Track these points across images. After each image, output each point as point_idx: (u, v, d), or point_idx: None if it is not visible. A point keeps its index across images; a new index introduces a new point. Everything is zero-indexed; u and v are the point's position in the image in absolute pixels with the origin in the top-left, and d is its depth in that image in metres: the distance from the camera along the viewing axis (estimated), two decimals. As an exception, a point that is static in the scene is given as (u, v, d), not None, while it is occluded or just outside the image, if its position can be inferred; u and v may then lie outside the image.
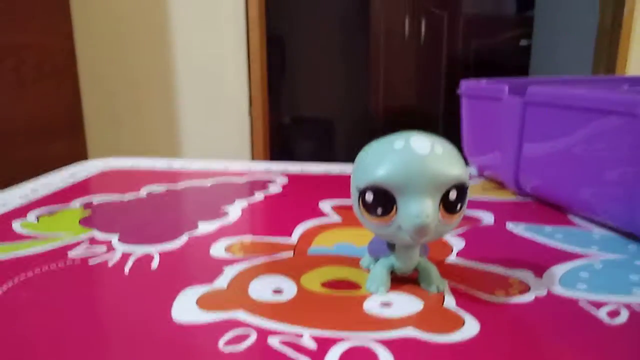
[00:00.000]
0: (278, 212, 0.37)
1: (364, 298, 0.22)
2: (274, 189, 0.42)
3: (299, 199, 0.40)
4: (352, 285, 0.24)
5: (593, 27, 1.80)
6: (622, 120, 0.29)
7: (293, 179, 0.46)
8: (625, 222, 0.29)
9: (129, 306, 0.22)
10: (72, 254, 0.28)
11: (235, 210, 0.36)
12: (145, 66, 1.79)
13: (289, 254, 0.28)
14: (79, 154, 1.63)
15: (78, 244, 0.30)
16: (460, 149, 0.45)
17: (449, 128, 2.65)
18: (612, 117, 0.30)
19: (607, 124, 0.30)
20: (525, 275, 0.25)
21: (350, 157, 0.24)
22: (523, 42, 2.60)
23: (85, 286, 0.24)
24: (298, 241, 0.30)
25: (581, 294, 0.23)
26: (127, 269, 0.26)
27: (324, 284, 0.24)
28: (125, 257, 0.28)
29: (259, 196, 0.40)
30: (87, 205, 0.38)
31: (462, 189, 0.21)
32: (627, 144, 0.28)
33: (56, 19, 1.56)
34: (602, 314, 0.21)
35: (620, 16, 1.65)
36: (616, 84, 0.55)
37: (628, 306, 0.22)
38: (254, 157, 1.83)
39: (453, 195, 0.21)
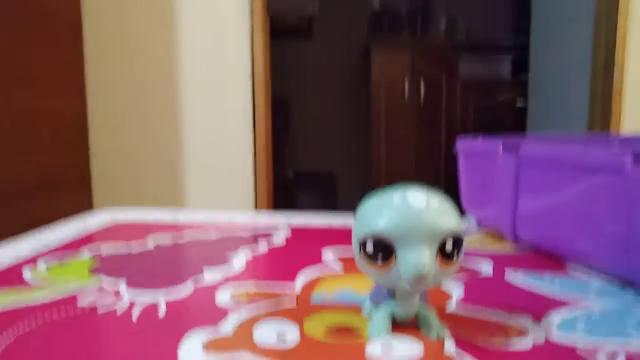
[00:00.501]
0: (282, 263, 0.38)
1: (365, 344, 0.23)
2: (278, 240, 0.43)
3: (303, 250, 0.40)
4: (354, 332, 0.24)
5: (586, 91, 1.86)
6: (611, 177, 0.30)
7: (297, 230, 0.47)
8: (623, 271, 0.30)
9: (137, 353, 0.23)
10: (81, 303, 0.29)
11: (240, 261, 0.37)
12: (153, 123, 1.84)
13: (293, 302, 0.29)
14: (85, 206, 1.65)
15: (87, 293, 0.30)
16: (459, 202, 0.46)
17: (450, 182, 2.67)
18: (601, 174, 0.31)
19: (597, 181, 0.32)
20: (524, 322, 0.25)
21: (352, 211, 0.26)
22: (519, 104, 2.68)
23: (94, 335, 0.25)
24: (301, 290, 0.31)
25: (579, 341, 0.23)
26: (134, 317, 0.27)
27: (327, 332, 0.25)
28: (133, 305, 0.28)
29: (263, 247, 0.41)
30: (97, 257, 0.39)
31: (457, 239, 0.22)
32: (618, 199, 0.30)
33: (70, 81, 1.63)
34: (598, 360, 0.22)
35: (611, 82, 1.71)
36: (608, 142, 0.57)
37: (626, 353, 0.22)
38: (258, 209, 1.84)
39: (449, 245, 0.22)
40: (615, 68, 1.69)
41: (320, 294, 0.30)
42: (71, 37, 1.63)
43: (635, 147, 0.42)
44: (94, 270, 0.35)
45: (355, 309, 0.27)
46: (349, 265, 0.36)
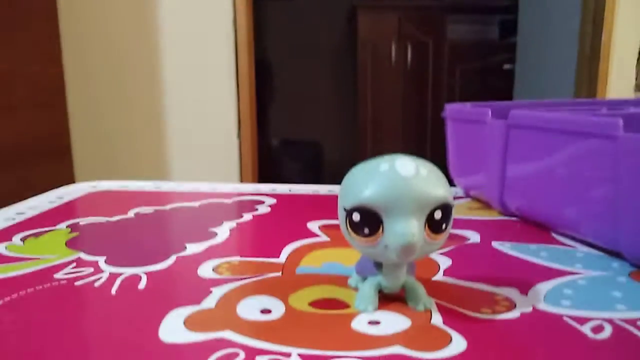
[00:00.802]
0: (266, 233, 0.37)
1: (352, 317, 0.23)
2: (263, 209, 0.43)
3: (288, 220, 0.40)
4: (340, 304, 0.24)
5: (574, 53, 1.85)
6: (601, 142, 0.30)
7: (281, 199, 0.46)
8: (608, 240, 0.30)
9: (116, 327, 0.22)
10: (58, 275, 0.28)
11: (223, 231, 0.36)
12: (134, 89, 1.79)
13: (277, 274, 0.28)
14: (67, 178, 1.62)
15: (64, 265, 0.29)
16: (446, 170, 0.45)
17: (436, 150, 2.68)
18: (591, 140, 0.31)
19: (587, 146, 0.31)
20: (511, 292, 0.25)
21: (337, 179, 0.25)
22: (506, 67, 2.66)
23: (71, 307, 0.24)
24: (286, 261, 0.30)
25: (566, 310, 0.23)
26: (114, 290, 0.26)
27: (312, 303, 0.24)
28: (112, 278, 0.28)
29: (247, 217, 0.40)
30: (74, 227, 0.37)
31: (446, 209, 0.22)
32: (607, 165, 0.29)
33: (46, 44, 1.56)
34: (586, 329, 0.21)
35: (599, 44, 1.70)
36: (596, 107, 0.56)
37: (611, 321, 0.22)
38: (242, 179, 1.83)
39: (438, 215, 0.21)
40: (604, 30, 1.68)
41: (306, 266, 0.29)
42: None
43: (624, 112, 0.41)
44: (72, 241, 0.34)
45: (342, 280, 0.27)
46: (335, 235, 0.35)
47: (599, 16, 1.70)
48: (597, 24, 1.71)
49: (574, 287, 0.26)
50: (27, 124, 1.43)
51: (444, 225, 0.22)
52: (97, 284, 0.27)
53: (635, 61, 1.68)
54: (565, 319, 0.22)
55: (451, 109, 0.48)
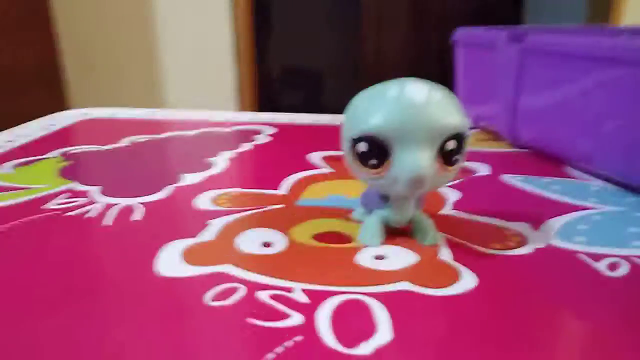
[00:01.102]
0: (267, 163, 0.36)
1: (356, 251, 0.22)
2: (262, 139, 0.41)
3: (289, 150, 0.38)
4: (344, 238, 0.23)
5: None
6: (626, 69, 0.27)
7: (282, 129, 0.44)
8: (623, 174, 0.29)
9: (111, 259, 0.21)
10: (51, 205, 0.27)
11: (221, 161, 0.35)
12: (126, 14, 1.71)
13: (279, 205, 0.27)
14: (58, 106, 1.58)
15: (57, 195, 0.28)
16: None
17: (442, 79, 2.62)
18: (615, 66, 0.28)
19: (609, 73, 0.29)
20: (523, 228, 0.24)
21: (339, 110, 0.23)
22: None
23: (64, 239, 0.23)
24: (288, 193, 0.29)
25: (580, 247, 0.22)
26: (109, 221, 0.25)
27: (315, 237, 0.23)
28: (106, 208, 0.26)
29: (246, 146, 0.39)
30: (66, 155, 0.36)
31: (461, 139, 0.20)
32: (629, 94, 0.27)
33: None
34: (601, 266, 0.20)
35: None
36: (614, 33, 0.53)
37: (627, 258, 0.21)
38: (241, 108, 1.79)
39: (451, 145, 0.20)
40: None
41: (309, 199, 0.28)
42: None
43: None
44: (65, 170, 0.33)
45: (346, 213, 0.25)
46: (338, 166, 0.34)
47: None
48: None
49: (589, 223, 0.25)
50: (12, 49, 1.37)
51: (457, 157, 0.20)
52: (91, 214, 0.26)
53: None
54: (579, 255, 0.21)
55: (461, 34, 0.45)
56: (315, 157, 0.36)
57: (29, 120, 0.46)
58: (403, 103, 0.20)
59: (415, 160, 0.19)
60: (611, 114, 0.29)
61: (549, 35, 0.36)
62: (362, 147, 0.20)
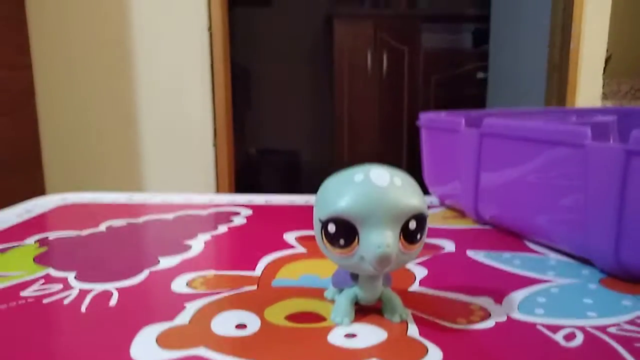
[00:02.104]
0: (242, 245, 0.37)
1: (328, 330, 0.22)
2: (238, 221, 0.42)
3: (264, 231, 0.39)
4: (316, 317, 0.24)
5: (543, 63, 1.90)
6: (571, 150, 0.30)
7: (257, 210, 0.46)
8: (579, 247, 0.31)
9: (86, 346, 0.22)
10: (26, 293, 0.27)
11: (198, 244, 0.36)
12: (106, 98, 1.76)
13: (253, 287, 0.28)
14: (37, 189, 1.58)
15: (32, 282, 0.28)
16: (422, 178, 0.46)
17: (412, 158, 2.71)
18: (561, 148, 0.31)
19: (557, 154, 0.32)
20: (486, 302, 0.25)
21: (315, 187, 0.25)
22: (480, 75, 2.71)
23: (39, 326, 0.23)
24: (262, 274, 0.30)
25: (539, 319, 0.23)
26: (84, 307, 0.25)
27: (288, 317, 0.24)
28: (82, 295, 0.27)
29: (222, 229, 0.40)
30: (42, 242, 0.36)
31: (421, 219, 0.22)
32: (577, 173, 0.30)
33: (14, 52, 1.53)
34: (559, 337, 0.22)
35: (567, 53, 1.75)
36: (565, 115, 0.58)
37: (582, 329, 0.22)
38: (218, 189, 1.81)
39: (413, 225, 0.22)
40: (572, 40, 1.72)
41: (283, 279, 0.29)
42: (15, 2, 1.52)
43: (592, 120, 0.42)
44: (40, 257, 0.33)
45: (318, 293, 0.26)
46: (311, 246, 0.35)
47: (567, 27, 1.75)
48: (566, 33, 1.76)
49: (547, 295, 0.26)
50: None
51: (418, 235, 0.22)
52: (66, 302, 0.26)
53: (602, 71, 1.73)
54: (538, 327, 0.23)
55: (426, 118, 0.49)
56: (290, 237, 0.37)
57: (8, 203, 0.46)
58: (368, 187, 0.21)
59: (380, 240, 0.21)
60: (565, 192, 0.31)
61: (504, 119, 0.39)
62: (331, 228, 0.21)
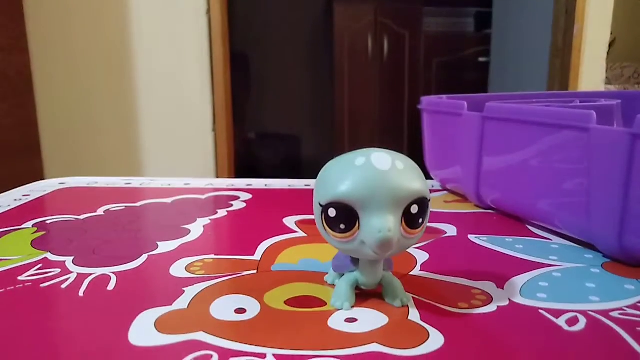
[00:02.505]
0: (241, 229, 0.36)
1: (328, 314, 0.22)
2: (238, 205, 0.42)
3: (263, 215, 0.39)
4: (316, 302, 0.24)
5: (547, 46, 1.88)
6: (574, 134, 0.30)
7: (257, 194, 0.45)
8: (582, 232, 0.30)
9: (84, 330, 0.21)
10: (23, 277, 0.27)
11: (197, 228, 0.35)
12: (105, 84, 1.75)
13: (253, 271, 0.27)
14: (36, 175, 1.57)
15: (30, 267, 0.28)
16: (423, 163, 0.45)
17: (413, 142, 2.70)
18: (565, 131, 0.31)
19: (560, 138, 0.31)
20: (488, 286, 0.25)
21: (315, 172, 0.24)
22: (482, 59, 2.69)
23: (37, 311, 0.23)
24: (262, 258, 0.29)
25: (541, 303, 0.23)
26: (82, 292, 0.25)
27: (288, 302, 0.24)
28: (80, 279, 0.26)
29: (221, 213, 0.39)
30: (40, 226, 0.36)
31: (423, 203, 0.21)
32: (580, 156, 0.30)
33: (11, 36, 1.51)
34: (561, 321, 0.21)
35: (571, 38, 1.73)
36: (569, 99, 0.57)
37: (585, 313, 0.22)
38: (218, 173, 1.81)
39: (414, 209, 0.21)
40: (576, 23, 1.70)
41: (282, 263, 0.29)
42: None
43: (596, 104, 0.42)
44: (38, 241, 0.33)
45: (318, 277, 0.26)
46: (311, 230, 0.35)
47: (571, 10, 1.73)
48: (569, 17, 1.74)
49: (549, 280, 0.26)
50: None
51: (420, 220, 0.21)
52: (64, 286, 0.26)
53: (606, 55, 1.72)
54: (541, 311, 0.22)
55: (427, 102, 0.48)
56: (290, 221, 0.37)
57: (7, 188, 0.46)
58: (369, 171, 0.21)
59: (381, 225, 0.20)
60: (567, 175, 0.31)
61: (506, 103, 0.39)
62: (332, 212, 0.21)
